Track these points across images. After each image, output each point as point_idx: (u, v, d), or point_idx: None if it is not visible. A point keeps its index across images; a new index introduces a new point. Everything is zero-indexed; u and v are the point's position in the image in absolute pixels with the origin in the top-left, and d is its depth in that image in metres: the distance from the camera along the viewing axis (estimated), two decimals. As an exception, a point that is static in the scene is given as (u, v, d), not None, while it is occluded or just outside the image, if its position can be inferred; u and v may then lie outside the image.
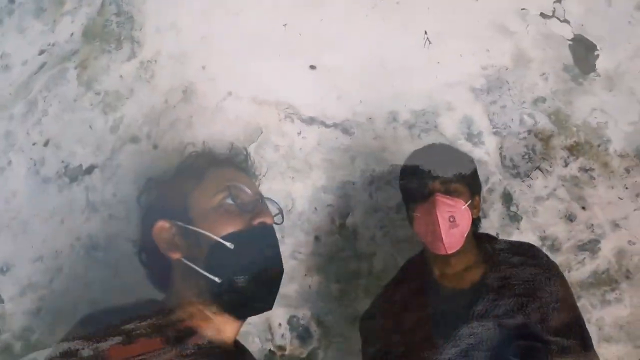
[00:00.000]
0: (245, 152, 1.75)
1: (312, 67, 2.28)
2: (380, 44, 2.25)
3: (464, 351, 1.67)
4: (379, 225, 2.31)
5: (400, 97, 2.29)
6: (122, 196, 2.11)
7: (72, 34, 2.05)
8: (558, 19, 2.12)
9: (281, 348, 2.29)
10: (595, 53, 2.11)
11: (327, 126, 2.31)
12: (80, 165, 2.08)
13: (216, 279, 1.32)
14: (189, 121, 2.19)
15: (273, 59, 2.26)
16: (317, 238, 2.27)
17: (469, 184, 1.87)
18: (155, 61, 2.14)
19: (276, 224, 1.52)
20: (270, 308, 1.44)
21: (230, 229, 1.36)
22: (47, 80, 2.03)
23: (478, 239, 1.93)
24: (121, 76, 2.11)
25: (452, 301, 1.80)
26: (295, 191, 2.29)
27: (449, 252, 1.76)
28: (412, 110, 2.28)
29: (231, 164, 1.65)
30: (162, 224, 1.42)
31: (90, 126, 2.09)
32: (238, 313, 1.38)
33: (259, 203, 1.51)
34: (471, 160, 2.00)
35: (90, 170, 2.09)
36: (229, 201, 1.41)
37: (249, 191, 1.48)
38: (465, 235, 1.80)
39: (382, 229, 2.30)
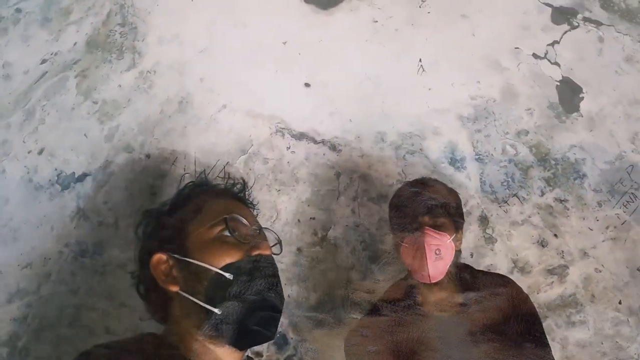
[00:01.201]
0: (242, 182, 1.72)
1: (307, 84, 2.22)
2: (375, 67, 2.21)
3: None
4: (359, 240, 2.30)
5: (389, 118, 2.27)
6: (112, 204, 2.02)
7: (75, 43, 1.91)
8: (549, 60, 2.11)
9: (258, 354, 2.29)
10: (581, 95, 2.12)
11: (315, 142, 2.27)
12: (73, 173, 1.96)
13: (216, 311, 1.28)
14: (183, 131, 2.11)
15: (270, 75, 2.19)
16: (299, 249, 2.24)
17: (455, 219, 1.92)
18: (155, 71, 2.04)
19: (274, 254, 1.47)
20: (272, 338, 1.39)
21: (228, 260, 1.33)
22: (47, 89, 1.90)
23: (458, 269, 1.94)
24: (120, 85, 2.00)
25: (435, 325, 1.85)
26: (281, 203, 2.25)
27: (433, 281, 1.82)
28: (400, 132, 2.27)
29: (228, 194, 1.60)
30: (160, 257, 1.39)
31: (85, 135, 1.96)
32: (239, 344, 1.33)
33: (257, 234, 1.46)
34: (458, 196, 2.03)
35: (82, 178, 1.97)
36: (227, 233, 1.38)
37: (246, 222, 1.45)
38: (448, 266, 1.85)
39: (362, 243, 2.29)
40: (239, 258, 1.34)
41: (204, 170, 1.89)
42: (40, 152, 1.94)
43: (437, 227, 1.83)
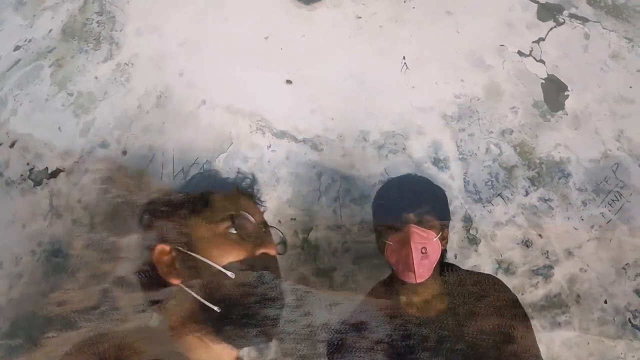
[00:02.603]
0: (251, 177, 1.67)
1: (289, 81, 2.16)
2: (359, 64, 2.16)
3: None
4: (341, 242, 2.25)
5: (372, 117, 2.22)
6: (87, 202, 1.93)
7: (50, 30, 1.81)
8: (534, 58, 2.07)
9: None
10: (566, 93, 2.07)
11: (297, 141, 2.21)
12: (46, 169, 1.87)
13: (215, 308, 1.25)
14: (161, 127, 2.03)
15: (251, 70, 2.13)
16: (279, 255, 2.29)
17: (441, 217, 1.85)
18: (133, 64, 1.96)
19: (279, 254, 1.43)
20: (269, 341, 1.33)
21: (232, 258, 1.29)
22: (20, 77, 1.80)
23: (443, 269, 1.89)
24: (96, 77, 1.91)
25: (417, 329, 1.76)
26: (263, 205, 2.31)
27: (418, 281, 1.74)
28: (383, 131, 2.22)
29: (237, 189, 1.53)
30: (163, 248, 1.34)
31: (59, 128, 1.87)
32: (236, 343, 1.30)
33: (263, 233, 1.41)
34: (444, 193, 1.97)
35: (56, 174, 1.88)
36: (232, 231, 1.33)
37: (253, 220, 1.39)
38: (434, 266, 1.79)
39: (344, 244, 2.25)
40: (242, 257, 1.29)
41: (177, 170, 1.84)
42: (12, 145, 1.84)
43: (423, 225, 1.76)
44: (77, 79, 1.90)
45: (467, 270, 1.99)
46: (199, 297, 1.28)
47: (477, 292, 1.85)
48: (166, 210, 1.52)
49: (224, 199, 1.44)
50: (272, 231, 1.51)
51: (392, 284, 1.93)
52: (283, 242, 1.55)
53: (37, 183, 1.89)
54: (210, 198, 1.43)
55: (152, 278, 1.38)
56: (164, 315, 1.36)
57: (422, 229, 1.75)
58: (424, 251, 1.75)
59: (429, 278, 1.78)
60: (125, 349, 1.28)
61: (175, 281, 1.32)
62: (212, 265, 1.28)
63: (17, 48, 1.78)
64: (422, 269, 1.75)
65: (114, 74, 1.96)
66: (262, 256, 1.34)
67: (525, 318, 1.88)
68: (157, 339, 1.29)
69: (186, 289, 1.29)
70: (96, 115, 1.94)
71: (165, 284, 1.35)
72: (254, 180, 1.64)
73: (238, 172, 1.67)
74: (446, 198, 1.97)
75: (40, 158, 1.88)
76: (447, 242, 1.89)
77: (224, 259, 1.29)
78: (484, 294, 1.84)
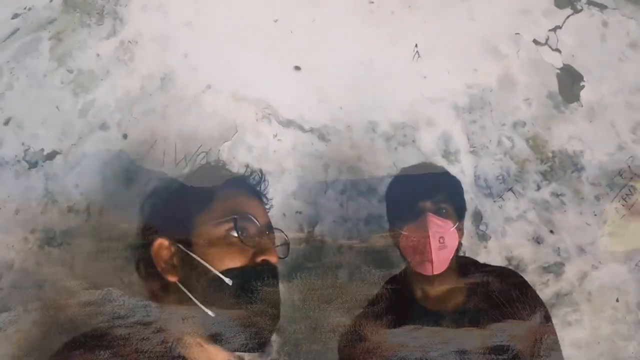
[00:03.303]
0: (260, 174, 1.62)
1: (297, 67, 2.08)
2: (369, 51, 2.09)
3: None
4: (347, 236, 2.18)
5: (381, 107, 2.15)
6: (84, 188, 1.81)
7: None
8: (550, 47, 2.02)
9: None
10: (581, 84, 2.03)
11: (304, 131, 2.13)
12: (42, 150, 1.74)
13: (210, 313, 1.23)
14: (164, 112, 1.93)
15: (258, 55, 2.04)
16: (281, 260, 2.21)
17: (458, 206, 1.81)
18: (137, 42, 1.85)
19: (281, 258, 1.40)
20: (262, 350, 1.33)
21: (231, 264, 1.27)
22: (18, 49, 1.67)
23: (460, 261, 1.84)
24: (98, 55, 1.79)
25: (434, 325, 1.69)
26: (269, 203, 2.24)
27: (436, 272, 1.68)
28: (392, 122, 2.15)
29: (243, 186, 1.50)
30: (162, 242, 1.31)
31: (57, 107, 1.74)
32: (229, 348, 1.28)
33: (266, 237, 1.38)
34: (459, 183, 1.92)
35: (52, 156, 1.76)
36: (234, 233, 1.30)
37: (257, 222, 1.36)
38: (451, 257, 1.73)
39: (350, 239, 2.19)
40: (242, 263, 1.28)
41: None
42: (7, 123, 1.71)
43: (440, 214, 1.70)
44: (78, 55, 1.79)
45: (485, 264, 1.93)
46: (194, 299, 1.25)
47: (496, 287, 1.80)
48: (170, 200, 1.46)
49: (228, 195, 1.40)
50: (277, 234, 1.48)
51: (406, 278, 1.87)
52: (286, 245, 1.50)
53: (32, 165, 1.77)
54: (215, 193, 1.39)
55: (150, 273, 1.34)
56: (161, 308, 1.32)
57: (440, 217, 1.70)
58: (441, 241, 1.68)
59: (445, 270, 1.71)
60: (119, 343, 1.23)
61: (172, 279, 1.29)
62: (210, 270, 1.26)
63: (15, 16, 1.66)
64: (440, 260, 1.68)
65: (116, 52, 1.84)
66: (263, 263, 1.31)
67: (547, 313, 1.83)
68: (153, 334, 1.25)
69: (183, 288, 1.27)
70: (96, 95, 1.83)
71: (163, 280, 1.31)
72: (262, 177, 1.58)
73: (247, 167, 1.61)
74: (462, 188, 1.91)
75: (36, 138, 1.76)
76: (463, 234, 1.83)
77: (223, 264, 1.27)
78: (503, 289, 1.79)
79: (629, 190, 2.06)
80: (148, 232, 1.36)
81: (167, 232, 1.32)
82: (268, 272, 1.32)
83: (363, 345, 1.78)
